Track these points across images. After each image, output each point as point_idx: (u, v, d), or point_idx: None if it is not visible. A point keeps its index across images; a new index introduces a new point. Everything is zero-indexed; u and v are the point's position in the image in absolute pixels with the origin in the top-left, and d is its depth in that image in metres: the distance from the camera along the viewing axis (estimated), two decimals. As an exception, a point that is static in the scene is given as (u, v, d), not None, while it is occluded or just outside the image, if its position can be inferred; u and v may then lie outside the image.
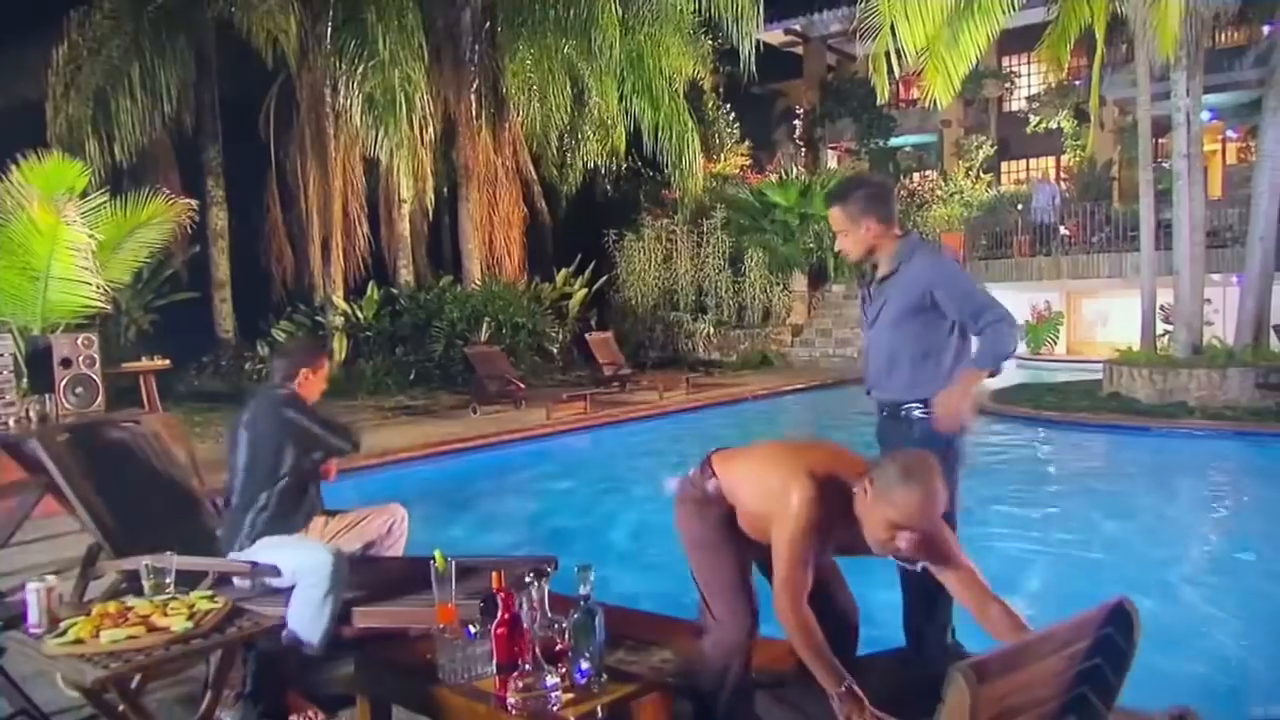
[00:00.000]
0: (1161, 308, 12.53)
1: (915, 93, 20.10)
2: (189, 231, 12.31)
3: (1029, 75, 24.69)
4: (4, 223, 7.79)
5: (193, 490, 4.26)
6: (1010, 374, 15.40)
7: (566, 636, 2.50)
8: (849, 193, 3.45)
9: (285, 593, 3.44)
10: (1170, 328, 12.37)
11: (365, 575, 3.77)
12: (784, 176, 21.07)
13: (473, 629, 2.61)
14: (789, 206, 19.71)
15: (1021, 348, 19.46)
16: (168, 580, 2.80)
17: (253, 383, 13.12)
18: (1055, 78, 19.71)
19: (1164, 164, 15.20)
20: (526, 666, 2.41)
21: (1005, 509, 7.26)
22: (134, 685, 2.63)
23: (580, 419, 11.41)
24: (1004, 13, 10.44)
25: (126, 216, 8.75)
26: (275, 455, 3.70)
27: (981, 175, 23.29)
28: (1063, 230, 18.72)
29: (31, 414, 5.86)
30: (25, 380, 7.07)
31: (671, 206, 20.42)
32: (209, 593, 2.87)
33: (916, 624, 3.30)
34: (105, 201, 8.43)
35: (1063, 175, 23.32)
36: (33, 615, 2.65)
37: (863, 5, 10.91)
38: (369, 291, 16.13)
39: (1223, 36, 17.42)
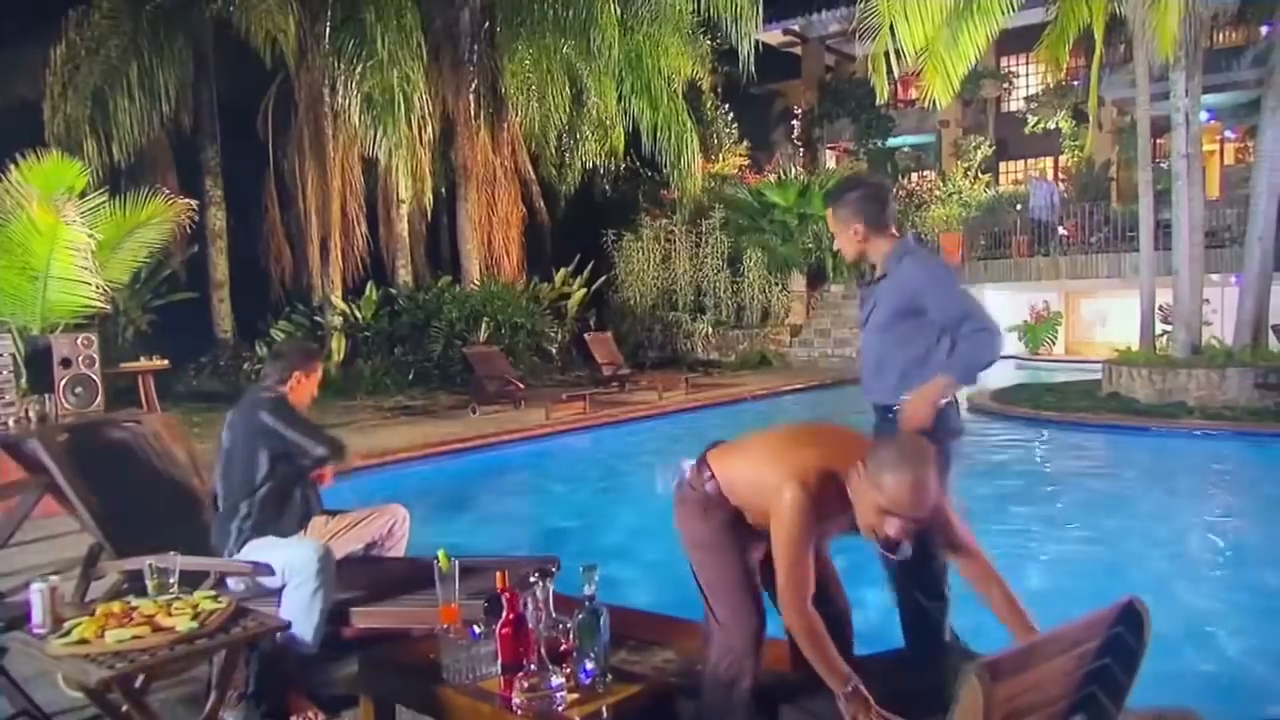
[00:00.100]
0: (1160, 308, 12.54)
1: (913, 93, 20.15)
2: (188, 231, 12.29)
3: (1027, 75, 24.70)
4: (3, 222, 7.77)
5: (194, 490, 4.24)
6: (1009, 374, 15.47)
7: (571, 636, 2.50)
8: (839, 195, 3.50)
9: (277, 593, 3.44)
10: (1169, 328, 12.38)
11: (366, 575, 3.76)
12: (782, 177, 21.08)
13: (477, 629, 2.61)
14: (787, 207, 19.72)
15: (1020, 348, 19.53)
16: (171, 580, 2.79)
17: (251, 383, 13.09)
18: (1054, 78, 19.70)
19: (1162, 164, 15.22)
20: (531, 667, 2.41)
21: (1004, 509, 7.26)
22: (138, 685, 2.62)
23: (579, 419, 11.41)
24: (1003, 13, 10.44)
25: (126, 216, 8.74)
26: (250, 461, 3.68)
27: (980, 175, 23.30)
28: (1061, 230, 18.74)
29: (31, 414, 5.86)
30: (24, 380, 7.06)
31: (670, 207, 20.43)
32: (212, 593, 2.86)
33: (914, 623, 3.30)
34: (104, 201, 8.42)
35: (1061, 175, 23.34)
36: (37, 615, 2.65)
37: (862, 5, 10.92)
38: (367, 291, 16.11)
39: (1220, 36, 17.43)
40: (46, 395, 6.38)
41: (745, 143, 23.38)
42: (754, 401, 14.08)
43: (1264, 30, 16.52)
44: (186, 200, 9.65)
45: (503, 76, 16.61)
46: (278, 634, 3.04)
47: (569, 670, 2.45)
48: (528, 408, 12.04)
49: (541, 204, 19.43)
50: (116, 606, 2.65)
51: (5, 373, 6.49)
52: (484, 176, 17.57)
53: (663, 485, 7.83)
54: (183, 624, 2.56)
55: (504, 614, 2.52)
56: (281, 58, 14.38)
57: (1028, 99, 24.23)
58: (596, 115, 17.54)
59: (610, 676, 2.50)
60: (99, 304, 8.11)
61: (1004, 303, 19.71)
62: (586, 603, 2.50)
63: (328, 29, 14.47)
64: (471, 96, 16.98)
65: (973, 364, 3.23)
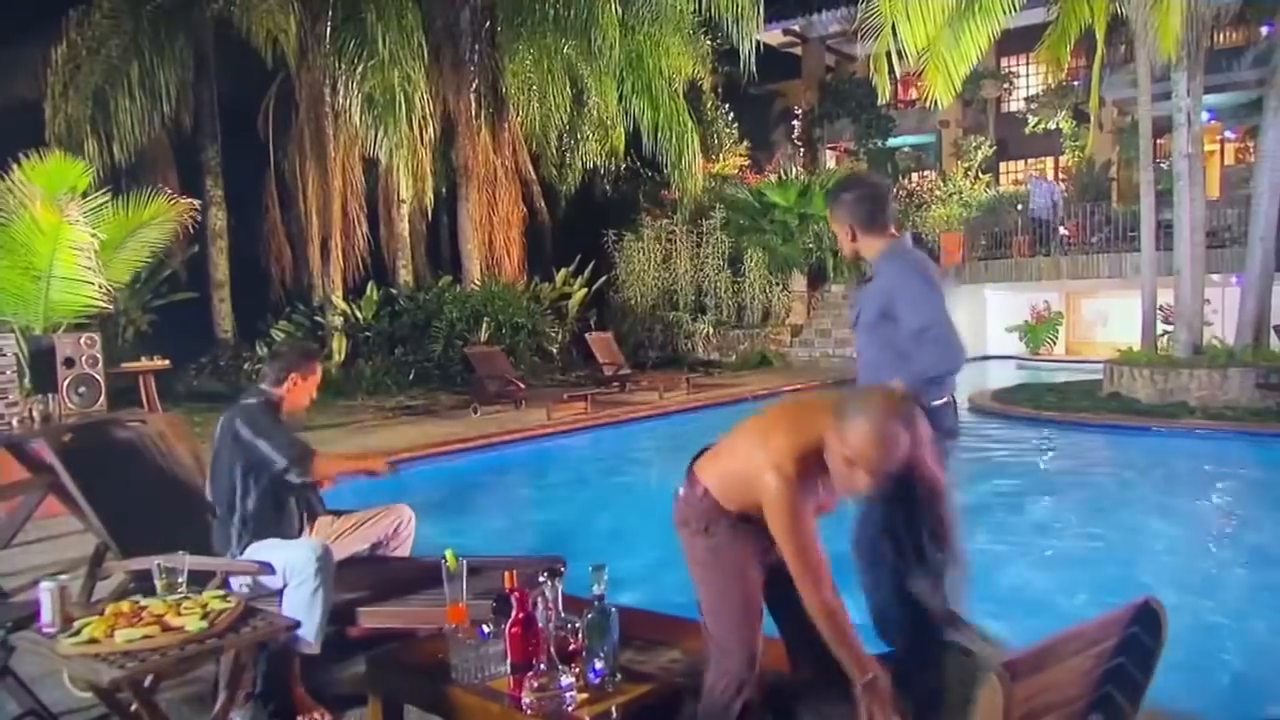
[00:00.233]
0: (1161, 308, 12.54)
1: (914, 93, 20.15)
2: (189, 231, 12.28)
3: (1027, 76, 24.70)
4: (6, 222, 7.77)
5: (198, 490, 4.24)
6: (1010, 374, 15.48)
7: (580, 636, 2.50)
8: (836, 195, 3.57)
9: (279, 594, 3.43)
10: (1170, 328, 12.38)
11: (372, 575, 3.76)
12: (783, 177, 21.08)
13: (486, 628, 2.61)
14: (788, 207, 19.71)
15: (1021, 348, 19.55)
16: (180, 580, 2.78)
17: (251, 383, 13.07)
18: (1054, 78, 19.69)
19: (1163, 164, 15.23)
20: (541, 666, 2.40)
21: (1005, 509, 7.27)
22: (147, 685, 2.62)
23: (580, 419, 11.40)
24: (1005, 13, 10.44)
25: (128, 216, 8.75)
26: (230, 471, 3.68)
27: (980, 175, 23.31)
28: (1062, 230, 18.75)
29: (34, 414, 5.86)
30: (28, 380, 7.06)
31: (671, 206, 20.42)
32: (221, 592, 2.86)
33: (913, 623, 3.29)
34: (107, 201, 8.42)
35: (1062, 175, 23.34)
36: (46, 615, 2.64)
37: (864, 5, 10.92)
38: (368, 291, 16.11)
39: (1221, 37, 17.43)
40: (50, 395, 6.38)
41: (745, 143, 23.36)
42: (755, 401, 14.05)
43: (1264, 30, 16.55)
44: (189, 200, 9.66)
45: (503, 76, 16.60)
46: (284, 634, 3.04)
47: (578, 670, 2.45)
48: (529, 408, 12.03)
49: (542, 204, 19.42)
50: (126, 606, 2.64)
51: (9, 372, 6.49)
52: (485, 176, 17.56)
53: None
54: (192, 624, 2.56)
55: (513, 613, 2.51)
56: (282, 57, 14.38)
57: (1028, 99, 24.23)
58: (597, 115, 17.52)
59: (620, 676, 2.50)
60: (102, 304, 8.11)
61: (1005, 303, 19.75)
62: (596, 602, 2.50)
63: (328, 29, 14.46)
64: (472, 96, 16.97)
65: (923, 370, 3.19)
